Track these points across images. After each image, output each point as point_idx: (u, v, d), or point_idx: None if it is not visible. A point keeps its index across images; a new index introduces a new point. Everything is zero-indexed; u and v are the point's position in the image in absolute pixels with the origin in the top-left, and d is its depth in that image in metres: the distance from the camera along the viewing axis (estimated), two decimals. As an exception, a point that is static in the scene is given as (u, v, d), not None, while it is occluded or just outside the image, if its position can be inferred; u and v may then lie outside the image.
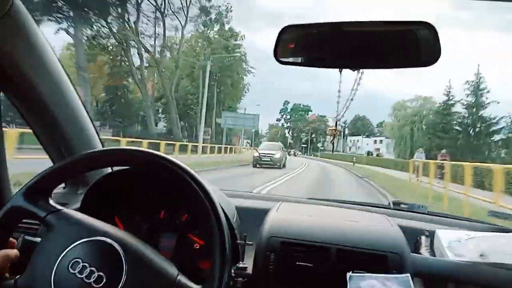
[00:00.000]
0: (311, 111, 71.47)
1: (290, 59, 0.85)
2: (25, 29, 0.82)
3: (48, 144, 1.05)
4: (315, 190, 10.80)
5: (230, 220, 0.85)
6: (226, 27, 33.64)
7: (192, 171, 0.71)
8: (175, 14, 28.93)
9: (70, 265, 0.62)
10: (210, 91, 28.94)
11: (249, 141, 43.07)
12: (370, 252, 0.83)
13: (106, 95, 31.24)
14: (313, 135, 67.08)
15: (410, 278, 0.76)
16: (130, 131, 27.32)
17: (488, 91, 31.85)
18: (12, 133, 5.80)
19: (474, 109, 32.07)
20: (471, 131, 32.10)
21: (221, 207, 0.71)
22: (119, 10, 25.07)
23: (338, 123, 1.18)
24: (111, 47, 28.27)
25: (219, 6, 31.79)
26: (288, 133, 72.35)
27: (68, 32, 23.52)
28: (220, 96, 33.17)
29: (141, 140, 13.30)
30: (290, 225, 0.92)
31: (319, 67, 0.87)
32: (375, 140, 61.29)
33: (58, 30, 22.82)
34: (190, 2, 28.82)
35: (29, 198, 0.69)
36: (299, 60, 0.86)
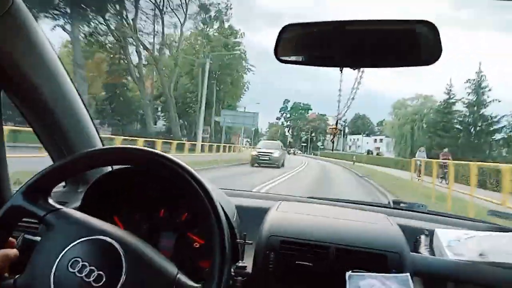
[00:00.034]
0: (311, 109, 71.52)
1: (291, 58, 0.84)
2: (26, 27, 0.81)
3: (49, 143, 1.05)
4: (314, 189, 10.79)
5: (230, 219, 0.85)
6: (226, 24, 33.60)
7: (192, 170, 0.71)
8: (174, 12, 28.91)
9: (69, 264, 0.62)
10: (210, 89, 28.88)
11: (249, 139, 43.04)
12: (370, 251, 0.83)
13: (105, 93, 31.15)
14: (313, 134, 67.05)
15: (409, 277, 0.76)
16: (130, 130, 27.30)
17: (489, 90, 31.82)
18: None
19: (475, 108, 32.00)
20: (472, 130, 32.02)
21: (221, 206, 0.71)
22: (117, 7, 24.98)
23: (338, 122, 1.18)
24: (109, 44, 28.19)
25: (219, 4, 31.74)
26: (288, 131, 72.33)
27: (65, 29, 23.44)
28: (219, 94, 33.07)
29: (137, 138, 13.16)
30: (290, 224, 0.92)
31: (319, 66, 0.87)
32: (375, 139, 61.31)
33: (55, 27, 22.75)
34: (189, -1, 28.80)
35: (28, 197, 0.69)
36: (299, 59, 0.86)
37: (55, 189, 0.74)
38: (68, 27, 23.23)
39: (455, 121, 33.47)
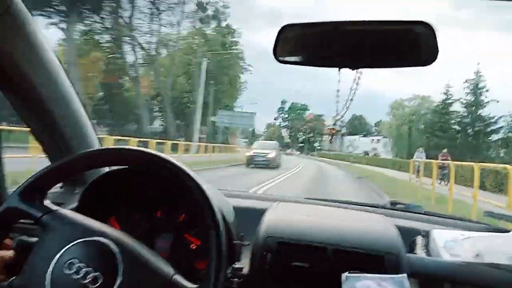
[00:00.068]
0: (308, 110, 71.52)
1: (289, 58, 0.84)
2: (25, 27, 0.81)
3: (47, 143, 1.04)
4: (311, 188, 10.80)
5: (227, 220, 0.85)
6: (223, 23, 33.59)
7: (189, 171, 0.71)
8: (171, 10, 28.81)
9: (66, 265, 0.62)
10: (207, 89, 28.79)
11: (246, 140, 43.00)
12: (367, 252, 0.83)
13: (101, 93, 30.96)
14: (311, 135, 67.11)
15: (406, 278, 0.76)
16: (127, 130, 27.14)
17: (487, 90, 31.94)
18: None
19: (473, 108, 32.08)
20: (469, 130, 32.08)
21: (218, 207, 0.71)
22: (113, 5, 24.76)
23: (336, 122, 1.18)
24: (105, 43, 27.97)
25: (216, 2, 31.71)
26: (286, 132, 72.33)
27: (59, 27, 23.12)
28: (216, 94, 33.07)
29: (129, 138, 13.03)
30: (287, 225, 0.92)
31: (318, 66, 0.87)
32: (372, 140, 61.46)
33: (49, 25, 22.41)
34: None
35: (25, 198, 0.68)
36: (298, 59, 0.86)
37: (52, 190, 0.74)
38: (62, 25, 22.99)
39: (453, 121, 33.54)
